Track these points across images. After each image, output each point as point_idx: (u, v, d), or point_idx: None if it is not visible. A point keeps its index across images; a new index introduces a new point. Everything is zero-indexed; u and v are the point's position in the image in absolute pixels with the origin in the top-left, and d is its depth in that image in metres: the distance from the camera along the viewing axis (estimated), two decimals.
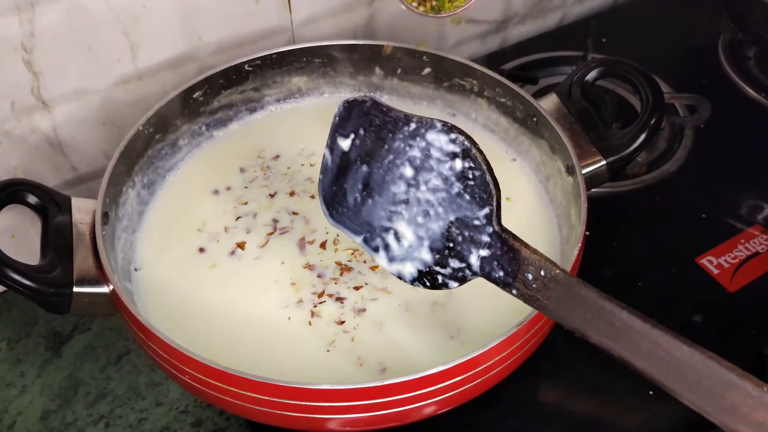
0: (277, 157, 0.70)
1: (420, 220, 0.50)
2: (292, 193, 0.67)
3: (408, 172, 0.50)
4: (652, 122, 0.63)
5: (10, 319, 0.71)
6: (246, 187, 0.67)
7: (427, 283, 0.52)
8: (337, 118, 0.53)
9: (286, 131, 0.72)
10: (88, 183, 0.73)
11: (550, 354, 0.58)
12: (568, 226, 0.62)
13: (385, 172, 0.51)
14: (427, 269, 0.51)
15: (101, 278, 0.55)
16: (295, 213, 0.65)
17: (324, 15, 0.77)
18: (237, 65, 0.70)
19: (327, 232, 0.63)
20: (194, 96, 0.68)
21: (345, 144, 0.53)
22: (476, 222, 0.48)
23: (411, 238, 0.51)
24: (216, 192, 0.67)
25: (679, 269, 0.69)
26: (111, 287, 0.54)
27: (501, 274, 0.48)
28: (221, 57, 0.73)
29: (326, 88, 0.75)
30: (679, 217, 0.74)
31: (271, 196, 0.67)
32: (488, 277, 0.49)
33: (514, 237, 0.48)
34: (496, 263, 0.48)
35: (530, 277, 0.47)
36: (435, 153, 0.49)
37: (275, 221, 0.64)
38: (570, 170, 0.61)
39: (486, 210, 0.48)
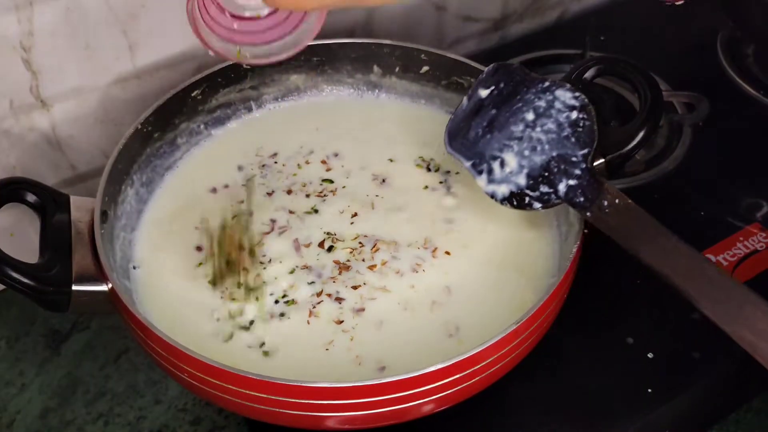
0: (275, 155, 0.70)
1: (527, 153, 0.59)
2: (289, 192, 0.67)
3: (530, 116, 0.60)
4: (651, 120, 0.63)
5: (9, 318, 0.71)
6: (243, 186, 0.67)
7: (515, 202, 0.60)
8: (483, 74, 0.63)
9: (284, 130, 0.72)
10: (86, 182, 0.73)
11: (549, 351, 0.58)
12: (566, 224, 0.62)
13: (511, 115, 0.60)
14: (519, 191, 0.59)
15: (100, 276, 0.55)
16: (291, 212, 0.65)
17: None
18: (235, 64, 0.69)
19: (325, 232, 0.63)
20: (192, 94, 0.68)
21: (484, 93, 0.62)
22: (574, 159, 0.58)
23: (514, 166, 0.59)
24: (214, 190, 0.67)
25: None
26: (110, 285, 0.54)
27: (582, 199, 0.57)
28: None
29: (324, 86, 0.75)
30: (678, 215, 0.74)
31: (269, 194, 0.67)
32: (570, 201, 0.58)
33: (601, 175, 0.58)
34: (580, 191, 0.57)
35: (606, 203, 0.56)
36: (558, 104, 0.59)
37: (273, 221, 0.64)
38: None
39: (585, 150, 0.58)
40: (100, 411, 0.64)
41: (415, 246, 0.62)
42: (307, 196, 0.66)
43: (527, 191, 0.59)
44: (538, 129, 0.59)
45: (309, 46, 0.71)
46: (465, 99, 0.63)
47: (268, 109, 0.74)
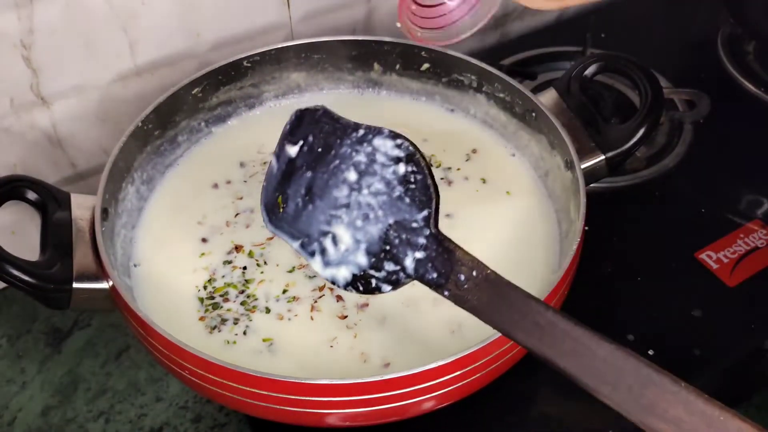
0: None
1: (359, 223, 0.51)
2: None
3: (352, 176, 0.52)
4: (651, 117, 0.63)
5: (11, 316, 0.71)
6: (245, 182, 0.67)
7: (360, 288, 0.52)
8: (288, 126, 0.55)
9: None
10: (87, 179, 0.73)
11: None
12: (567, 221, 0.62)
13: (329, 177, 0.52)
14: (362, 273, 0.52)
15: (101, 274, 0.55)
16: None
17: (322, 11, 0.77)
18: (236, 61, 0.69)
19: None
20: (193, 92, 0.68)
21: (293, 151, 0.54)
22: (414, 225, 0.50)
23: (348, 242, 0.52)
24: (215, 186, 0.67)
25: (678, 264, 0.69)
26: (110, 283, 0.54)
27: (434, 275, 0.49)
28: (220, 53, 0.73)
29: (325, 84, 0.75)
30: (679, 212, 0.74)
31: None
32: (422, 279, 0.50)
33: (449, 240, 0.49)
34: (430, 265, 0.49)
35: (462, 277, 0.48)
36: (380, 158, 0.51)
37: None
38: (569, 165, 0.61)
39: (425, 212, 0.49)
40: (101, 409, 0.64)
41: None
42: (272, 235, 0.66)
43: (371, 272, 0.51)
44: (365, 191, 0.51)
45: (308, 44, 0.72)
46: (273, 159, 0.55)
47: (269, 106, 0.74)
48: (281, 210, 0.54)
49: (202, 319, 0.58)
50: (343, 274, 0.52)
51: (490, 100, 0.70)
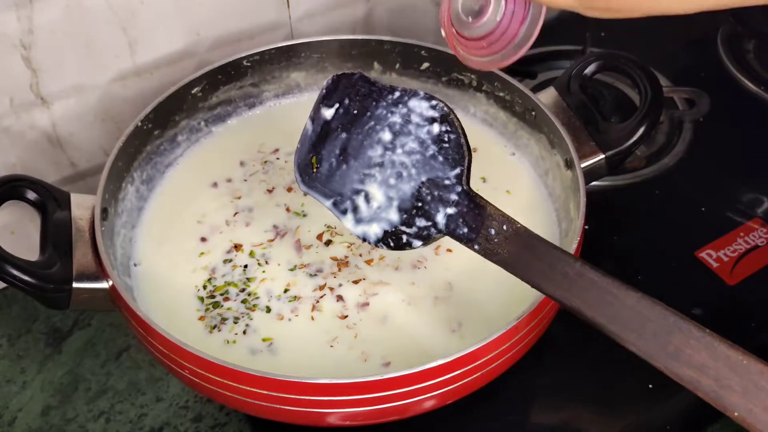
0: (277, 150, 0.70)
1: (392, 181, 0.53)
2: (289, 189, 0.67)
3: (387, 136, 0.53)
4: (651, 116, 0.63)
5: (11, 316, 0.71)
6: (245, 180, 0.68)
7: (391, 243, 0.53)
8: (324, 90, 0.55)
9: (284, 127, 0.72)
10: (87, 179, 0.73)
11: (550, 347, 0.58)
12: (567, 220, 0.62)
13: (364, 137, 0.54)
14: (393, 229, 0.53)
15: (100, 274, 0.55)
16: (289, 209, 0.65)
17: (322, 10, 0.77)
18: (235, 61, 0.69)
19: (324, 228, 0.63)
20: (193, 92, 0.68)
21: (328, 113, 0.55)
22: (446, 182, 0.51)
23: (381, 199, 0.53)
24: (215, 185, 0.67)
25: (678, 263, 0.69)
26: (110, 283, 0.54)
27: (465, 230, 0.51)
28: (219, 52, 0.73)
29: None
30: (679, 211, 0.74)
31: (269, 191, 0.67)
32: (452, 233, 0.51)
33: (480, 196, 0.51)
34: (461, 220, 0.51)
35: (493, 231, 0.49)
36: (415, 118, 0.52)
37: (275, 227, 0.64)
38: (569, 164, 0.61)
39: (457, 170, 0.51)
40: (101, 408, 0.64)
41: None
42: (305, 194, 0.66)
43: (402, 228, 0.52)
44: (399, 151, 0.52)
45: (308, 43, 0.72)
46: (308, 122, 0.56)
47: (269, 106, 0.74)
48: (314, 170, 0.55)
49: (201, 318, 0.58)
50: (375, 230, 0.53)
51: (489, 99, 0.70)
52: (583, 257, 0.57)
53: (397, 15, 0.83)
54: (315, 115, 0.56)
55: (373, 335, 0.57)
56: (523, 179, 0.68)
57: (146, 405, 0.64)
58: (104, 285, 0.55)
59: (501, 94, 0.69)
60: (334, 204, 0.55)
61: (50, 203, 0.57)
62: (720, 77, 0.86)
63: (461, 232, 0.51)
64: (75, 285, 0.54)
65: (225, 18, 0.72)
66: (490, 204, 0.50)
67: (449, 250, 0.61)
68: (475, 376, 0.51)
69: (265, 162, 0.69)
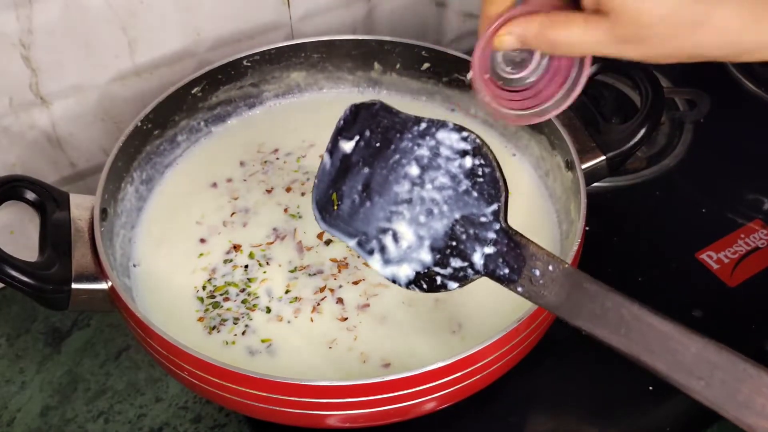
0: (276, 150, 0.70)
1: (422, 219, 0.50)
2: (288, 189, 0.67)
3: (414, 171, 0.50)
4: (652, 117, 0.63)
5: (10, 316, 0.71)
6: (245, 180, 0.67)
7: (424, 286, 0.50)
8: (341, 122, 0.52)
9: (284, 127, 0.72)
10: (86, 179, 0.73)
11: (551, 349, 0.58)
12: (567, 222, 0.62)
13: (389, 172, 0.50)
14: (426, 270, 0.50)
15: (100, 275, 0.55)
16: (287, 210, 0.65)
17: (322, 10, 0.77)
18: (235, 61, 0.69)
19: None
20: (192, 92, 0.68)
21: (348, 146, 0.52)
22: (483, 219, 0.48)
23: (411, 239, 0.50)
24: (214, 185, 0.67)
25: (678, 264, 0.69)
26: (109, 283, 0.54)
27: (506, 271, 0.47)
28: (219, 52, 0.73)
29: (325, 84, 0.75)
30: (679, 212, 0.74)
31: (268, 191, 0.66)
32: (492, 275, 0.48)
33: (521, 234, 0.48)
34: (501, 260, 0.47)
35: (537, 273, 0.46)
36: (444, 151, 0.49)
37: (275, 229, 0.64)
38: (569, 165, 0.61)
39: (494, 206, 0.48)
40: (100, 409, 0.64)
41: None
42: (303, 194, 0.66)
43: (436, 269, 0.49)
44: (429, 186, 0.49)
45: (308, 43, 0.71)
46: (326, 156, 0.53)
47: (269, 106, 0.74)
48: (336, 207, 0.52)
49: (201, 319, 0.58)
50: (405, 272, 0.50)
51: None
52: (583, 258, 0.57)
53: (398, 15, 0.83)
54: (333, 149, 0.52)
55: (372, 337, 0.57)
56: (524, 180, 0.67)
57: (145, 405, 0.64)
58: (103, 286, 0.54)
59: None
60: (359, 244, 0.51)
61: (49, 203, 0.57)
62: (721, 78, 0.86)
63: (502, 273, 0.47)
64: (74, 286, 0.54)
65: (225, 18, 0.72)
66: (533, 243, 0.47)
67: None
68: (475, 378, 0.51)
69: (265, 162, 0.69)
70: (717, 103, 0.81)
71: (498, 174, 0.48)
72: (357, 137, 0.51)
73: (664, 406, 0.60)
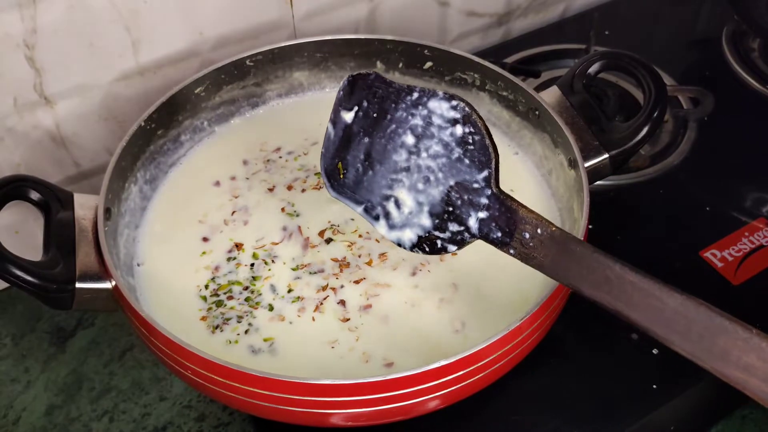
0: (279, 149, 0.70)
1: (420, 186, 0.52)
2: (289, 187, 0.67)
3: (409, 140, 0.52)
4: (655, 115, 0.63)
5: (15, 315, 0.71)
6: (248, 179, 0.68)
7: (426, 248, 0.53)
8: (341, 93, 0.55)
9: (287, 126, 0.72)
10: (90, 179, 0.73)
11: (553, 348, 0.58)
12: (570, 220, 0.62)
13: (387, 142, 0.53)
14: (426, 234, 0.53)
15: (103, 274, 0.55)
16: (283, 209, 0.65)
17: (325, 9, 0.77)
18: (238, 60, 0.69)
19: (327, 225, 0.63)
20: (196, 91, 0.68)
21: (348, 116, 0.54)
22: (475, 185, 0.50)
23: (411, 205, 0.52)
24: (218, 183, 0.67)
25: (682, 262, 0.69)
26: (113, 283, 0.54)
27: (499, 234, 0.50)
28: (223, 52, 0.73)
29: (328, 83, 0.75)
30: (683, 211, 0.74)
31: (270, 190, 0.67)
32: (486, 238, 0.50)
33: (512, 198, 0.50)
34: (494, 224, 0.50)
35: (527, 235, 0.48)
36: (436, 120, 0.51)
37: (283, 228, 0.64)
38: (572, 164, 0.61)
39: (485, 173, 0.50)
40: (105, 408, 0.64)
41: None
42: (303, 191, 0.66)
43: (436, 233, 0.52)
44: (424, 155, 0.51)
45: (311, 42, 0.72)
46: (329, 126, 0.56)
47: (272, 105, 0.74)
48: (342, 176, 0.55)
49: (203, 318, 0.58)
50: (408, 236, 0.53)
51: (493, 99, 0.70)
52: None
53: (400, 14, 0.83)
54: (335, 119, 0.55)
55: (374, 336, 0.57)
56: (527, 178, 0.67)
57: (150, 404, 0.64)
58: (107, 285, 0.55)
59: (504, 93, 0.69)
60: (366, 210, 0.55)
61: (53, 203, 0.57)
62: (725, 76, 0.86)
63: (495, 236, 0.50)
64: (78, 285, 0.54)
65: (228, 18, 0.72)
66: (523, 207, 0.49)
67: (454, 254, 0.61)
68: (478, 376, 0.51)
69: (268, 161, 0.69)
70: (721, 101, 0.81)
71: (488, 141, 0.49)
72: (356, 107, 0.54)
73: (669, 404, 0.60)
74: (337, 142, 0.55)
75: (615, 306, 0.45)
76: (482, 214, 0.50)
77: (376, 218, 0.54)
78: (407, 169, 0.52)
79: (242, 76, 0.71)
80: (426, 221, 0.52)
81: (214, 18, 0.71)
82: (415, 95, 0.51)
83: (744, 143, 0.79)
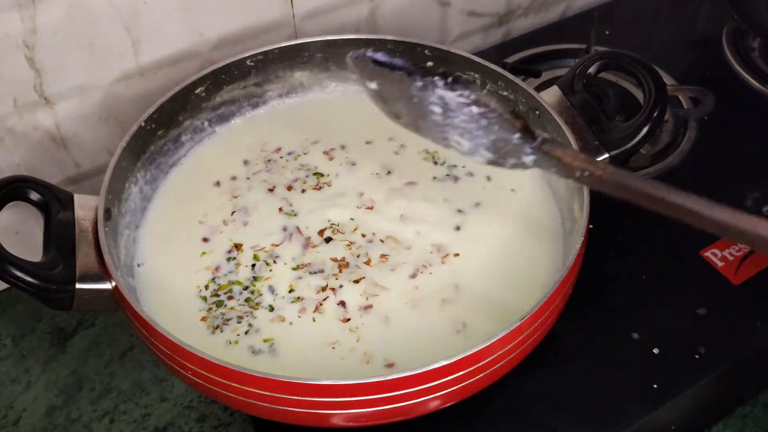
0: (279, 149, 0.70)
1: (468, 135, 0.53)
2: (289, 188, 0.67)
3: (437, 110, 0.52)
4: (655, 115, 0.63)
5: (15, 315, 0.71)
6: (248, 179, 0.68)
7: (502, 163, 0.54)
8: (356, 69, 0.55)
9: (288, 126, 0.72)
10: (90, 179, 0.73)
11: (554, 347, 0.58)
12: (571, 220, 0.62)
13: (418, 109, 0.53)
14: (493, 161, 0.54)
15: (104, 274, 0.55)
16: (281, 209, 0.65)
17: (326, 9, 0.77)
18: (239, 60, 0.69)
19: (327, 225, 0.63)
20: (196, 92, 0.68)
21: (372, 85, 0.55)
22: (515, 141, 0.51)
23: (468, 145, 0.53)
24: (218, 183, 0.67)
25: (683, 262, 0.69)
26: (113, 283, 0.54)
27: (553, 169, 0.52)
28: (223, 52, 0.73)
29: (329, 83, 0.75)
30: None
31: (270, 190, 0.67)
32: (544, 169, 0.53)
33: (554, 149, 0.51)
34: (545, 163, 0.51)
35: (578, 174, 0.50)
36: (451, 103, 0.51)
37: (284, 229, 0.64)
38: None
39: (517, 134, 0.51)
40: (105, 408, 0.64)
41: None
42: (303, 191, 0.66)
43: (500, 161, 0.54)
44: (456, 120, 0.52)
45: (312, 42, 0.71)
46: (366, 88, 0.57)
47: (272, 106, 0.74)
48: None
49: (204, 319, 0.58)
50: (477, 160, 0.54)
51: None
52: (587, 257, 0.57)
53: (401, 14, 0.83)
54: (367, 85, 0.55)
55: (375, 337, 0.57)
56: (528, 178, 0.67)
57: (150, 405, 0.64)
58: (107, 286, 0.55)
59: (504, 93, 0.69)
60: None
61: (53, 204, 0.57)
62: (725, 75, 0.86)
63: (551, 171, 0.52)
64: (78, 286, 0.54)
65: (228, 18, 0.72)
66: (568, 154, 0.51)
67: (456, 255, 0.61)
68: (479, 376, 0.51)
69: (268, 161, 0.69)
70: (721, 100, 0.80)
71: (506, 115, 0.51)
72: (375, 80, 0.54)
73: (669, 403, 0.60)
74: (380, 100, 0.56)
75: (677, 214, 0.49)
76: (532, 158, 0.52)
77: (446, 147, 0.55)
78: (449, 125, 0.53)
79: (243, 76, 0.71)
80: (486, 154, 0.53)
81: (214, 18, 0.71)
82: (419, 84, 0.52)
83: (744, 143, 0.79)
